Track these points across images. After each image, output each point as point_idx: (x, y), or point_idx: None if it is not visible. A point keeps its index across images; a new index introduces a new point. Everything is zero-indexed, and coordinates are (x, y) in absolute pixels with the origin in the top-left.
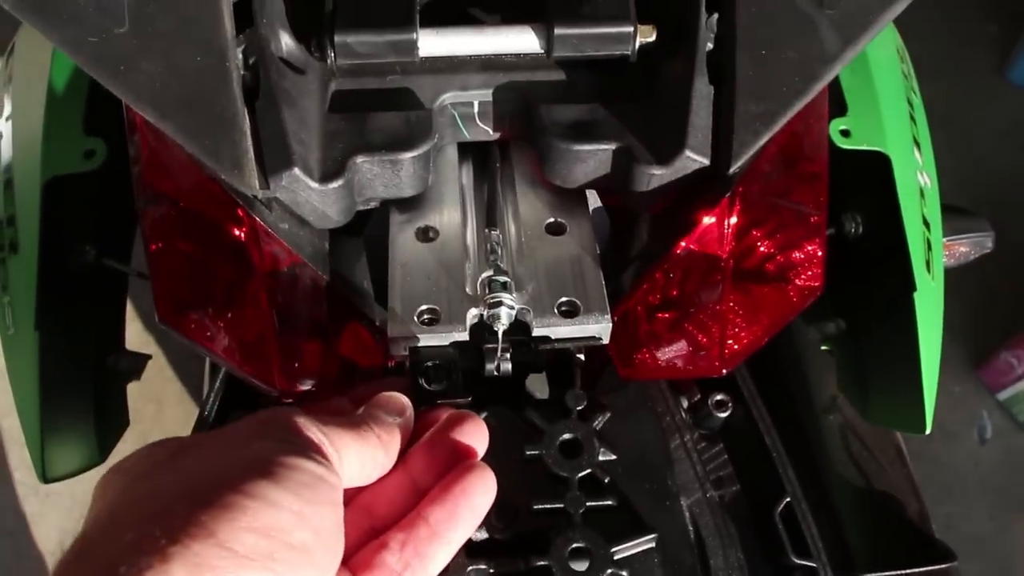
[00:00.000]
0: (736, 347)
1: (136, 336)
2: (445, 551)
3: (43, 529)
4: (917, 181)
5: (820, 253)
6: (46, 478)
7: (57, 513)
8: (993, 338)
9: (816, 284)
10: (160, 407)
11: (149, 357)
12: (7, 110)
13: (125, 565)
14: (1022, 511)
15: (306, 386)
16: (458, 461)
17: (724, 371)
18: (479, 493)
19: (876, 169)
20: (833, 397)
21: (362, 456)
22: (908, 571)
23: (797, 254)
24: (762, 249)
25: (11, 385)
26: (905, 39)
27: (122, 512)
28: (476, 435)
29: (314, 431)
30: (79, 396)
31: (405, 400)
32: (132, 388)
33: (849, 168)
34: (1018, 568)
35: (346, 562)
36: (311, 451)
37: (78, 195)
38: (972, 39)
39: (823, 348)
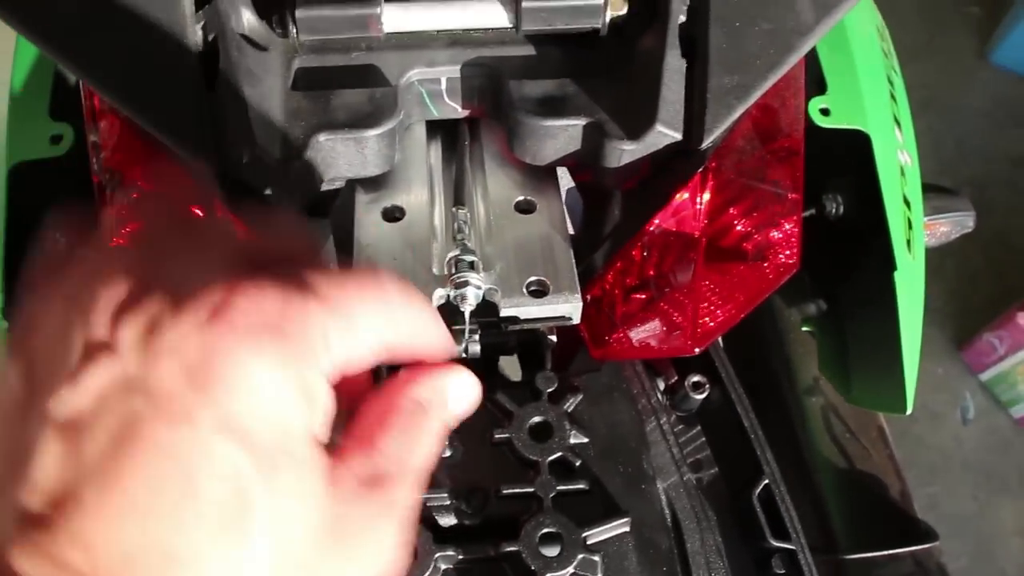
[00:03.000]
0: (710, 325)
1: None
2: None
3: None
4: (897, 160)
5: (797, 231)
6: None
7: None
8: (976, 320)
9: (792, 262)
10: None
11: None
12: None
13: None
14: (1004, 490)
15: None
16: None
17: (696, 350)
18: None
19: (856, 148)
20: (815, 379)
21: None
22: (890, 551)
23: (774, 233)
24: (739, 228)
25: None
26: (888, 22)
27: None
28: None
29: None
30: None
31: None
32: None
33: (829, 147)
34: (998, 546)
35: None
36: None
37: (46, 182)
38: (954, 21)
39: (804, 329)
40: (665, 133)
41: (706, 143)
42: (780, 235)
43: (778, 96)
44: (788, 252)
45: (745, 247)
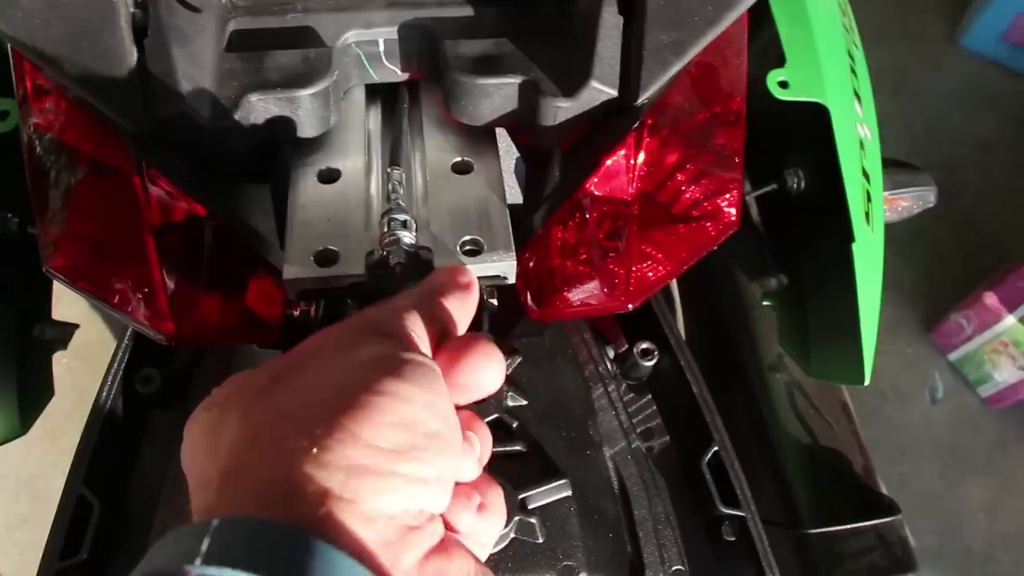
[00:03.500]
0: (650, 279)
1: (83, 313)
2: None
3: None
4: (857, 133)
5: (737, 194)
6: None
7: (2, 497)
8: (945, 301)
9: (732, 221)
10: None
11: (76, 326)
12: None
13: (285, 477)
14: (970, 469)
15: (201, 333)
16: None
17: (630, 306)
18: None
19: (816, 123)
20: (780, 355)
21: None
22: (853, 525)
23: (717, 196)
24: (688, 196)
25: None
26: (858, 4)
27: (257, 436)
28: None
29: (406, 328)
30: (0, 366)
31: (470, 275)
32: (78, 368)
33: (790, 123)
34: (966, 523)
35: None
36: (413, 346)
37: None
38: (924, 5)
39: (765, 303)
40: (600, 89)
41: (641, 99)
42: (724, 199)
43: (719, 55)
44: (730, 212)
45: (690, 212)
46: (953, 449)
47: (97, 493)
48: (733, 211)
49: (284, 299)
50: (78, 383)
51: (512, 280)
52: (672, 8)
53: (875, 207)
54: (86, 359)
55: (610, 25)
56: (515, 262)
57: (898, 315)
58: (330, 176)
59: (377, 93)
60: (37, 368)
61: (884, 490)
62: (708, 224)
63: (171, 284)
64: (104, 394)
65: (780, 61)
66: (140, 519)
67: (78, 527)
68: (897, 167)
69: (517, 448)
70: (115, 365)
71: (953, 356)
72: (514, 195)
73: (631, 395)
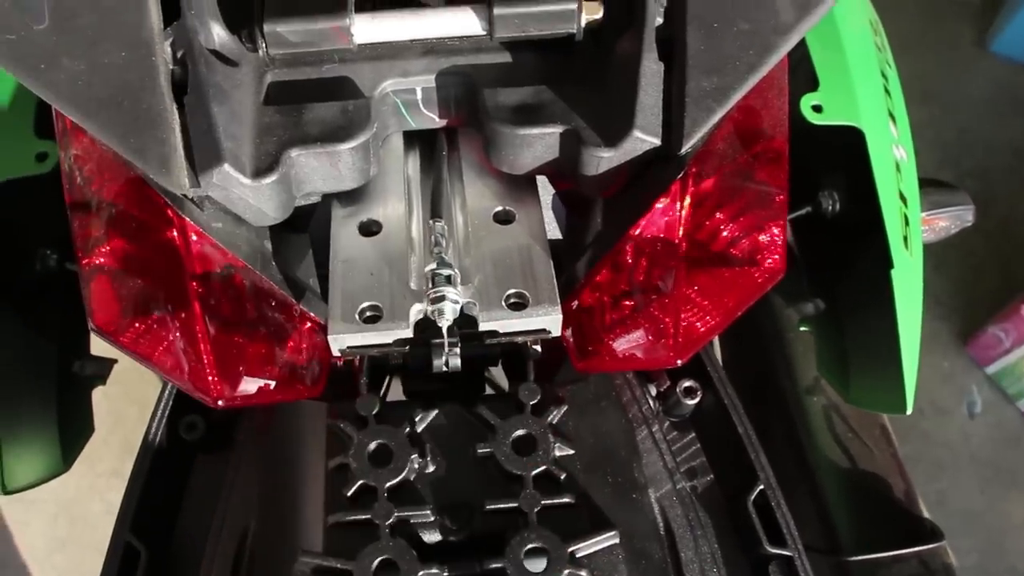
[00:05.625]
0: (699, 330)
1: None
2: None
3: (27, 537)
4: (892, 155)
5: (782, 235)
6: (6, 489)
7: (42, 520)
8: (981, 312)
9: (778, 267)
10: (142, 409)
11: (115, 361)
12: None
13: None
14: (1012, 484)
15: (246, 392)
16: None
17: (679, 361)
18: None
19: (851, 144)
20: (817, 378)
21: None
22: (896, 552)
23: (761, 237)
24: (726, 233)
25: None
26: (883, 12)
27: None
28: None
29: None
30: (41, 404)
31: None
32: (114, 392)
33: (824, 144)
34: (1009, 540)
35: None
36: None
37: (33, 199)
38: (952, 12)
39: (802, 329)
40: (643, 139)
41: (686, 148)
42: (767, 239)
43: (760, 97)
44: (775, 257)
45: (733, 252)
46: (993, 464)
47: (143, 540)
48: (778, 255)
49: (327, 350)
50: (114, 407)
51: (556, 334)
52: (713, 54)
53: (913, 230)
54: (122, 383)
55: (651, 73)
56: (560, 316)
57: (933, 327)
58: (371, 228)
59: (415, 138)
60: (77, 405)
61: (925, 511)
62: (755, 271)
63: (215, 343)
64: (149, 441)
65: (813, 84)
66: (186, 566)
67: (126, 574)
68: (933, 186)
69: (566, 500)
70: (159, 412)
71: (991, 369)
72: (552, 230)
73: (674, 433)
